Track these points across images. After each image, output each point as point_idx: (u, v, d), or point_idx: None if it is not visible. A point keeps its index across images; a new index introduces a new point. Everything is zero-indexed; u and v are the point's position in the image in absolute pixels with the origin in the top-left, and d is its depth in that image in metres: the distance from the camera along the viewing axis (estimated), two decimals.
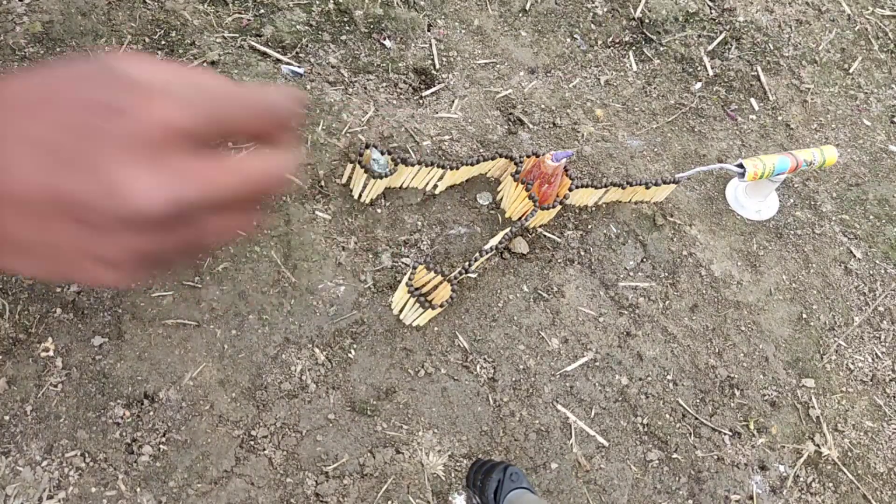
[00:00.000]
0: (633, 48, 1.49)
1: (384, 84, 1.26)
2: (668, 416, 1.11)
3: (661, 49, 1.51)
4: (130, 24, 1.17)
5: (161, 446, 0.87)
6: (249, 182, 0.38)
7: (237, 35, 1.20)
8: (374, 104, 1.22)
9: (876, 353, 1.27)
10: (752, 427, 1.14)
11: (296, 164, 0.44)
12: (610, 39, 1.49)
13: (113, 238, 0.33)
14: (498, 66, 1.37)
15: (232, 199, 0.38)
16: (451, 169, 1.09)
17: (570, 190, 1.13)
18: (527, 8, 1.46)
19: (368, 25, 1.31)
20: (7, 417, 0.84)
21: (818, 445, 1.16)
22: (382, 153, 1.06)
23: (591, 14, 1.50)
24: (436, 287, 1.00)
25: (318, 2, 1.29)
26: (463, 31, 1.39)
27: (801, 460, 1.14)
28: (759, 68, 1.54)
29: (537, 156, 1.12)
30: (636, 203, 1.28)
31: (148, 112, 0.33)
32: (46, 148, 0.32)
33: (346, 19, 1.30)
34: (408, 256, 1.09)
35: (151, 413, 0.89)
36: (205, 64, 1.15)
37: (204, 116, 0.34)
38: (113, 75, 0.35)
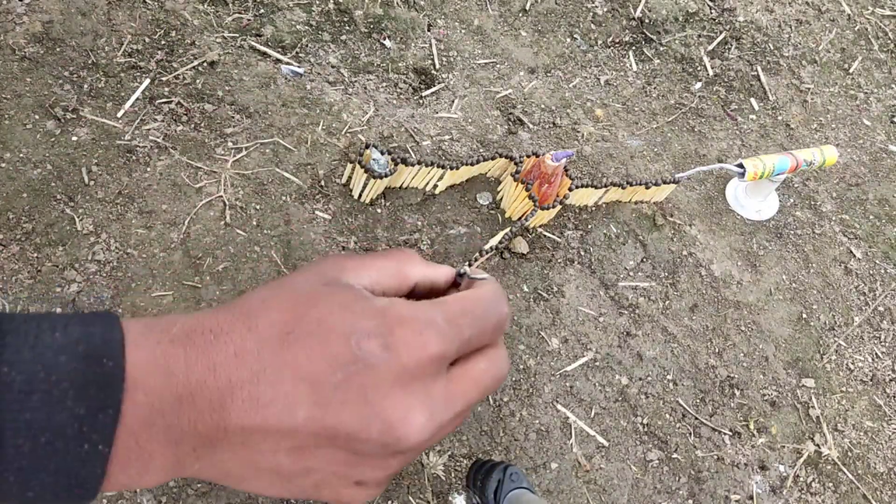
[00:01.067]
0: (633, 48, 1.49)
1: (384, 84, 1.26)
2: (668, 415, 1.11)
3: (661, 49, 1.51)
4: (130, 24, 1.17)
5: None
6: (486, 392, 0.40)
7: (237, 35, 1.20)
8: (374, 104, 1.22)
9: (876, 353, 1.27)
10: (752, 427, 1.14)
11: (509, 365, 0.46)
12: (610, 39, 1.49)
13: (379, 463, 0.34)
14: (498, 66, 1.37)
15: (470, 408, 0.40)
16: (451, 169, 1.09)
17: (570, 190, 1.13)
18: (527, 8, 1.46)
19: (368, 25, 1.31)
20: None
21: (818, 445, 1.16)
22: (382, 153, 1.06)
23: (591, 14, 1.50)
24: None
25: (318, 2, 1.29)
26: (463, 31, 1.39)
27: (801, 460, 1.14)
28: (759, 68, 1.54)
29: (537, 156, 1.12)
30: (636, 203, 1.28)
31: (418, 346, 0.34)
32: (313, 380, 0.32)
33: (346, 19, 1.30)
34: None
35: None
36: (205, 64, 1.15)
37: (464, 342, 0.35)
38: (372, 305, 0.36)
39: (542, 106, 1.34)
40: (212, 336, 0.33)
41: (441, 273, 0.48)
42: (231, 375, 0.32)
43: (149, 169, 1.05)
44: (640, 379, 1.12)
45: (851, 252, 1.36)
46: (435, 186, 1.15)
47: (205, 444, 0.33)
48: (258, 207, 1.06)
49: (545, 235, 1.19)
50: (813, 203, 1.41)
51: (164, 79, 1.14)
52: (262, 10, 1.24)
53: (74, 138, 0.98)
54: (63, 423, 0.27)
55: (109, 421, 0.28)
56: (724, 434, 1.12)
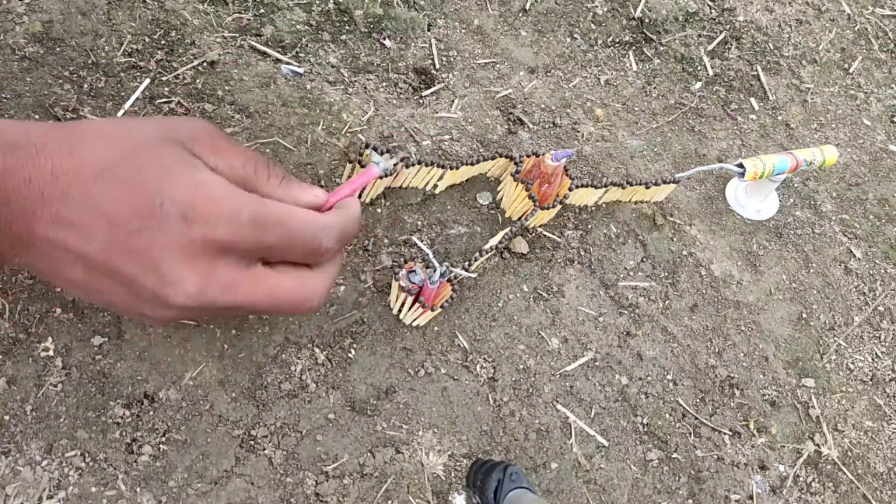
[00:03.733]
0: (633, 48, 1.49)
1: (384, 84, 1.26)
2: (668, 415, 1.11)
3: (661, 49, 1.51)
4: (130, 23, 1.17)
5: (161, 446, 0.87)
6: (276, 306, 0.45)
7: (237, 35, 1.20)
8: (374, 104, 1.22)
9: (876, 353, 1.27)
10: (752, 427, 1.14)
11: (326, 297, 0.51)
12: (610, 39, 1.49)
13: (155, 309, 0.40)
14: (498, 65, 1.37)
15: (258, 310, 0.46)
16: (451, 169, 1.09)
17: (570, 190, 1.13)
18: (527, 8, 1.46)
19: (368, 25, 1.31)
20: (7, 417, 0.84)
21: (818, 445, 1.16)
22: (382, 153, 1.06)
23: (591, 14, 1.50)
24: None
25: (318, 1, 1.29)
26: (463, 31, 1.39)
27: (801, 460, 1.14)
28: (759, 68, 1.54)
29: (537, 155, 1.12)
30: (636, 203, 1.28)
31: (210, 227, 0.39)
32: (111, 220, 0.37)
33: (346, 19, 1.30)
34: (410, 257, 1.09)
35: (151, 413, 0.89)
36: (205, 64, 1.15)
37: (263, 247, 0.41)
38: (193, 175, 0.41)
39: (542, 106, 1.34)
40: (34, 151, 0.37)
41: (304, 195, 0.54)
42: (44, 190, 0.37)
43: None
44: (640, 379, 1.12)
45: (851, 252, 1.36)
46: (435, 186, 1.15)
47: (20, 243, 0.38)
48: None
49: (545, 235, 1.19)
50: (813, 203, 1.41)
51: (164, 78, 1.14)
52: (262, 10, 1.24)
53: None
54: None
55: None
56: (724, 434, 1.12)
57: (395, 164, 1.07)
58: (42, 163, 0.38)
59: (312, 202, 0.51)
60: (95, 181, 0.37)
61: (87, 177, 0.37)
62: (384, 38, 1.31)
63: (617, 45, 1.49)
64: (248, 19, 1.23)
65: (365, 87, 1.24)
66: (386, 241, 1.09)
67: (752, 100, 1.51)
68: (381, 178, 1.05)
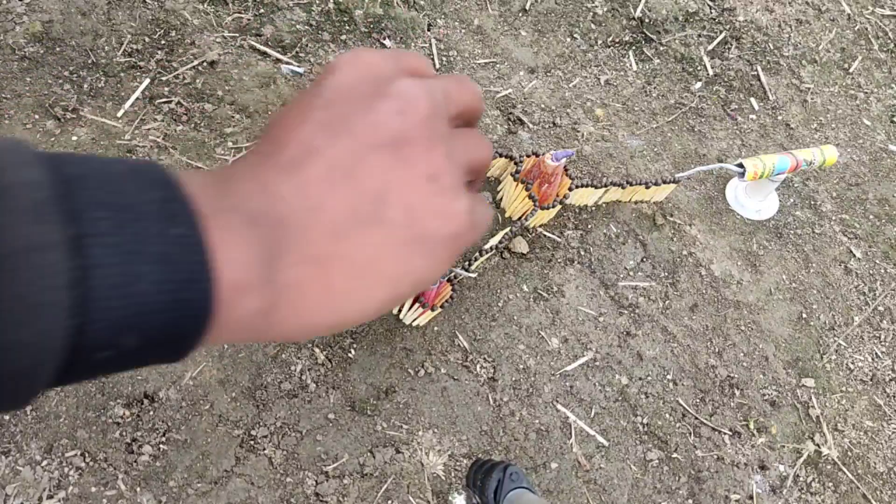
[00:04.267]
0: (633, 48, 1.49)
1: None
2: (667, 415, 1.11)
3: (661, 49, 1.51)
4: (130, 23, 1.17)
5: (161, 446, 0.87)
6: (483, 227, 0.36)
7: (237, 34, 1.20)
8: None
9: (876, 353, 1.27)
10: (751, 427, 1.14)
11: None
12: (610, 39, 1.49)
13: (440, 163, 0.29)
14: (498, 65, 1.37)
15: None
16: None
17: (570, 189, 1.13)
18: (527, 8, 1.46)
19: (368, 25, 1.31)
20: (7, 417, 0.84)
21: (818, 445, 1.16)
22: None
23: (591, 14, 1.49)
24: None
25: (317, 1, 1.29)
26: (463, 31, 1.39)
27: (801, 460, 1.14)
28: (759, 68, 1.54)
29: (537, 155, 1.12)
30: (636, 203, 1.28)
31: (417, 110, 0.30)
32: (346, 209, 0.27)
33: (346, 19, 1.30)
34: None
35: (151, 413, 0.89)
36: (205, 63, 1.15)
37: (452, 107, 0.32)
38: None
39: (542, 106, 1.34)
40: (279, 225, 0.28)
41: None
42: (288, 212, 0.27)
43: None
44: (640, 379, 1.12)
45: (851, 252, 1.36)
46: None
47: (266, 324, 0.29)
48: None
49: (545, 235, 1.19)
50: (813, 203, 1.41)
51: (163, 78, 1.14)
52: (261, 10, 1.24)
53: (74, 138, 0.98)
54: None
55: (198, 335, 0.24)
56: (724, 434, 1.12)
57: None
58: (279, 201, 0.29)
59: None
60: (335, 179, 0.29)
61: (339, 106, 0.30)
62: (384, 38, 1.30)
63: (617, 45, 1.49)
64: (248, 19, 1.23)
65: None
66: None
67: (752, 100, 1.51)
68: None
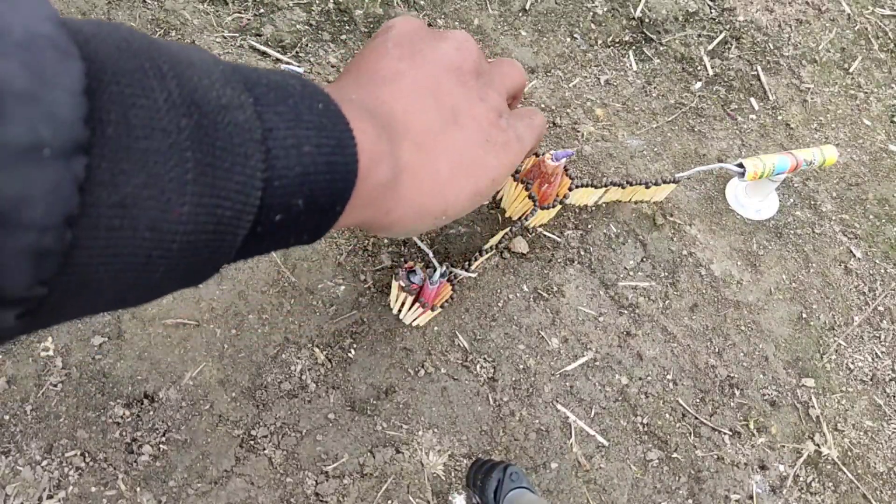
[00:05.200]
0: (633, 48, 1.49)
1: None
2: (667, 415, 1.11)
3: (661, 49, 1.51)
4: (130, 23, 1.17)
5: (161, 446, 0.87)
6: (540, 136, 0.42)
7: (237, 35, 1.20)
8: None
9: (876, 353, 1.27)
10: (751, 427, 1.14)
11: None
12: (610, 39, 1.49)
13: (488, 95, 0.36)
14: None
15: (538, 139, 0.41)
16: None
17: (570, 189, 1.13)
18: (527, 7, 1.46)
19: (368, 25, 1.31)
20: (7, 417, 0.84)
21: (818, 445, 1.16)
22: None
23: (591, 14, 1.49)
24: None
25: (317, 1, 1.29)
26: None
27: (801, 460, 1.14)
28: (759, 68, 1.54)
29: (537, 155, 1.12)
30: (636, 203, 1.28)
31: (498, 85, 0.37)
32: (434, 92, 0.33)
33: (345, 19, 1.30)
34: (409, 257, 1.09)
35: (151, 413, 0.89)
36: None
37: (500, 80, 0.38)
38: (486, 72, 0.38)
39: (542, 105, 1.34)
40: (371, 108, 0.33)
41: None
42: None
43: None
44: (640, 379, 1.12)
45: (851, 252, 1.36)
46: None
47: (386, 198, 0.32)
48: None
49: (545, 235, 1.19)
50: (813, 203, 1.41)
51: None
52: (261, 10, 1.24)
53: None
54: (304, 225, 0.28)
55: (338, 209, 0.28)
56: (724, 434, 1.12)
57: None
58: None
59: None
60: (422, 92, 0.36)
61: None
62: None
63: (617, 45, 1.49)
64: (248, 19, 1.23)
65: None
66: (386, 241, 1.09)
67: (752, 100, 1.51)
68: None
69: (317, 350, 0.98)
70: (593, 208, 1.25)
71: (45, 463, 0.82)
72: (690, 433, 1.11)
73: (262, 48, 1.20)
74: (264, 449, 0.90)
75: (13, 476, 0.81)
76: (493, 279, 1.12)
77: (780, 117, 1.50)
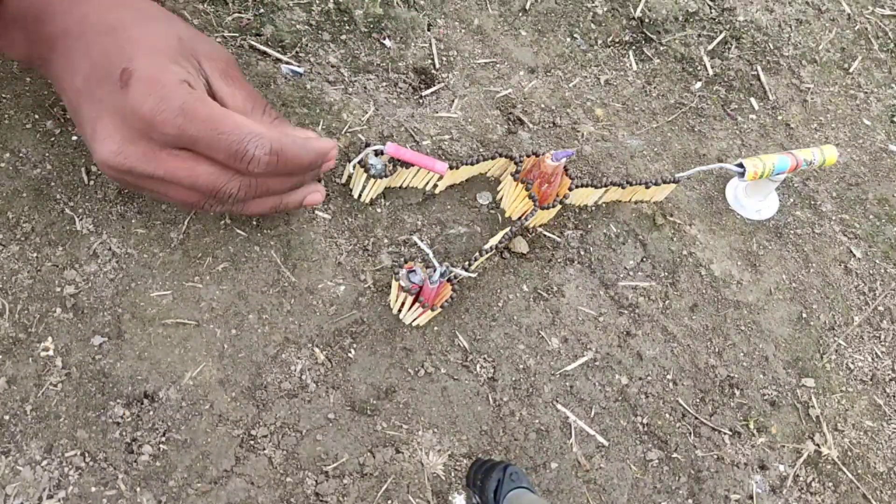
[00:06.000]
0: (633, 48, 1.49)
1: (384, 83, 1.26)
2: (667, 415, 1.11)
3: (661, 49, 1.51)
4: None
5: (161, 446, 0.87)
6: (196, 185, 0.55)
7: (237, 34, 1.20)
8: (374, 104, 1.22)
9: (876, 353, 1.27)
10: (751, 427, 1.14)
11: (258, 210, 0.63)
12: (610, 39, 1.49)
13: (93, 155, 0.48)
14: (498, 65, 1.37)
15: (181, 184, 0.55)
16: (452, 168, 1.10)
17: (570, 189, 1.13)
18: (527, 7, 1.46)
19: (368, 25, 1.31)
20: (7, 417, 0.84)
21: (818, 445, 1.16)
22: (379, 154, 1.06)
23: (591, 14, 1.50)
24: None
25: (318, 1, 1.29)
26: (463, 31, 1.39)
27: (801, 460, 1.14)
28: (759, 68, 1.54)
29: (537, 155, 1.12)
30: (636, 203, 1.28)
31: (142, 100, 0.49)
32: (92, 73, 0.44)
33: (345, 19, 1.30)
34: (410, 257, 1.09)
35: (151, 413, 0.89)
36: None
37: (188, 138, 0.50)
38: (168, 66, 0.53)
39: (542, 105, 1.34)
40: None
41: (296, 131, 0.67)
42: (67, 27, 0.46)
43: None
44: (640, 378, 1.12)
45: (851, 252, 1.36)
46: (435, 186, 1.15)
47: (43, 58, 0.47)
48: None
49: (545, 235, 1.19)
50: (813, 203, 1.41)
51: None
52: (261, 10, 1.24)
53: (74, 138, 0.98)
54: None
55: None
56: (724, 434, 1.12)
57: (393, 166, 1.07)
58: (76, 4, 0.46)
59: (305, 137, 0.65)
60: (101, 34, 0.46)
61: (101, 28, 0.47)
62: (384, 38, 1.31)
63: (617, 45, 1.49)
64: (248, 19, 1.23)
65: (365, 87, 1.24)
66: (386, 241, 1.09)
67: (752, 100, 1.51)
68: (376, 178, 1.05)
69: (317, 350, 0.98)
70: (593, 208, 1.25)
71: (45, 463, 0.82)
72: (690, 433, 1.11)
73: (262, 48, 1.20)
74: (264, 449, 0.91)
75: (13, 476, 0.81)
76: (493, 279, 1.12)
77: (780, 117, 1.50)
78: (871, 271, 1.36)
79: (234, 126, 0.50)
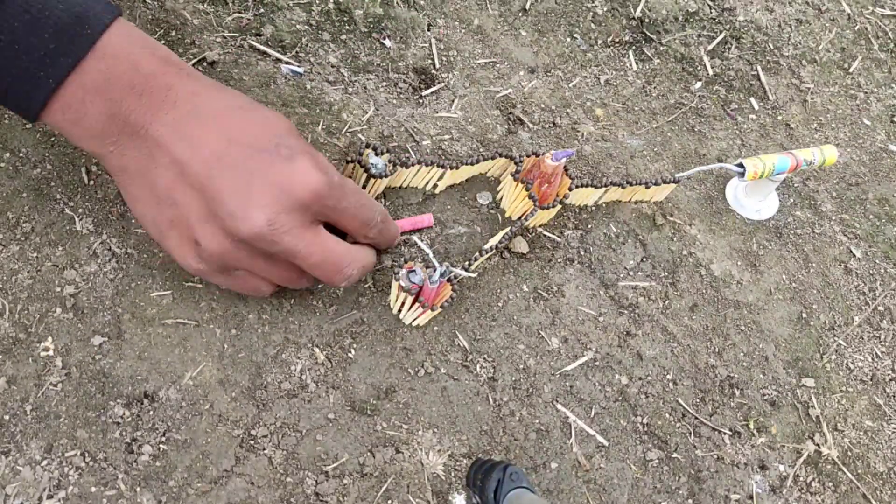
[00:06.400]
0: (633, 48, 1.49)
1: (384, 83, 1.26)
2: (667, 415, 1.11)
3: (661, 48, 1.51)
4: (130, 22, 1.17)
5: (161, 446, 0.87)
6: (325, 263, 0.61)
7: (237, 34, 1.20)
8: (374, 104, 1.22)
9: (876, 353, 1.27)
10: (751, 427, 1.14)
11: (361, 272, 0.64)
12: (610, 39, 1.49)
13: (217, 235, 0.47)
14: (498, 65, 1.37)
15: (307, 262, 0.56)
16: (451, 168, 1.10)
17: (570, 189, 1.13)
18: (527, 7, 1.46)
19: (368, 25, 1.31)
20: (7, 417, 0.84)
21: (818, 445, 1.16)
22: (381, 153, 1.06)
23: (591, 14, 1.50)
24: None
25: (318, 1, 1.29)
26: (463, 31, 1.39)
27: (801, 460, 1.14)
28: (759, 68, 1.54)
29: (537, 155, 1.12)
30: (636, 203, 1.28)
31: (306, 176, 0.51)
32: (234, 141, 0.44)
33: (345, 19, 1.30)
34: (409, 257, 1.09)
35: (151, 412, 0.89)
36: (204, 63, 1.15)
37: (333, 200, 0.50)
38: (309, 147, 0.51)
39: (542, 105, 1.34)
40: (183, 68, 0.45)
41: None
42: (177, 100, 0.42)
43: None
44: (640, 378, 1.12)
45: (851, 252, 1.36)
46: (435, 186, 1.15)
47: (127, 132, 0.43)
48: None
49: (545, 235, 1.19)
50: (813, 203, 1.41)
51: None
52: (261, 10, 1.24)
53: None
54: (34, 45, 0.40)
55: (67, 65, 0.41)
56: (724, 434, 1.12)
57: (393, 165, 1.07)
58: (185, 80, 0.45)
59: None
60: (224, 109, 0.48)
61: (218, 103, 0.48)
62: (384, 38, 1.31)
63: (617, 45, 1.49)
64: (248, 19, 1.23)
65: (365, 87, 1.24)
66: None
67: (752, 100, 1.51)
68: (377, 177, 1.05)
69: (317, 350, 0.98)
70: (593, 208, 1.25)
71: (44, 463, 0.83)
72: (690, 433, 1.11)
73: (262, 48, 1.20)
74: (264, 449, 0.91)
75: (13, 476, 0.81)
76: (493, 279, 1.12)
77: (780, 117, 1.50)
78: (871, 271, 1.36)
79: (371, 199, 0.62)
